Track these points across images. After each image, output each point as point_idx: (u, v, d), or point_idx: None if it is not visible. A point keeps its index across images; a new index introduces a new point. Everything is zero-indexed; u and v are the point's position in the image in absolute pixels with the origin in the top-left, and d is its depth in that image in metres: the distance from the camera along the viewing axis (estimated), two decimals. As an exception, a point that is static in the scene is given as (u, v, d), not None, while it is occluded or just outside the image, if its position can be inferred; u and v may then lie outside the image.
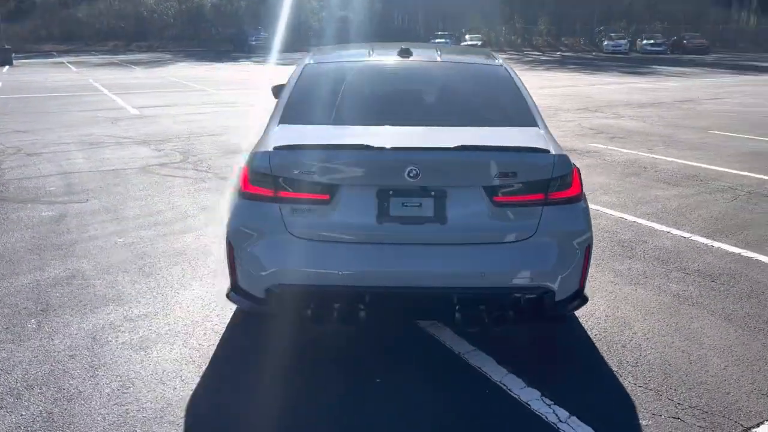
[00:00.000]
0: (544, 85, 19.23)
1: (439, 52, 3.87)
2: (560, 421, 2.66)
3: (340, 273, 2.78)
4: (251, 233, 2.90)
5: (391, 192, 2.79)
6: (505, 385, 2.93)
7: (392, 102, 3.44)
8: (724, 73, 25.98)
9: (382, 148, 2.77)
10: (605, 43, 47.94)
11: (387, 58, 3.83)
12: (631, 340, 3.35)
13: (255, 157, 2.92)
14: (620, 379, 2.99)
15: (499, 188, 2.79)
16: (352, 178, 2.81)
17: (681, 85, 20.12)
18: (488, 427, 2.65)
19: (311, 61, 3.77)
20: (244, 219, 2.93)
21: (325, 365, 3.14)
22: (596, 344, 3.32)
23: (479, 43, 51.10)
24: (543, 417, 2.70)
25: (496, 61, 3.85)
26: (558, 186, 2.84)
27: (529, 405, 2.78)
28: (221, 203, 5.98)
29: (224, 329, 3.48)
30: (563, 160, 2.86)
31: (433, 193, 2.78)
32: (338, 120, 3.24)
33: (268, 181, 2.85)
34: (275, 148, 2.86)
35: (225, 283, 4.02)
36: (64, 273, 4.25)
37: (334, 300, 2.82)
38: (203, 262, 4.47)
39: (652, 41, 45.97)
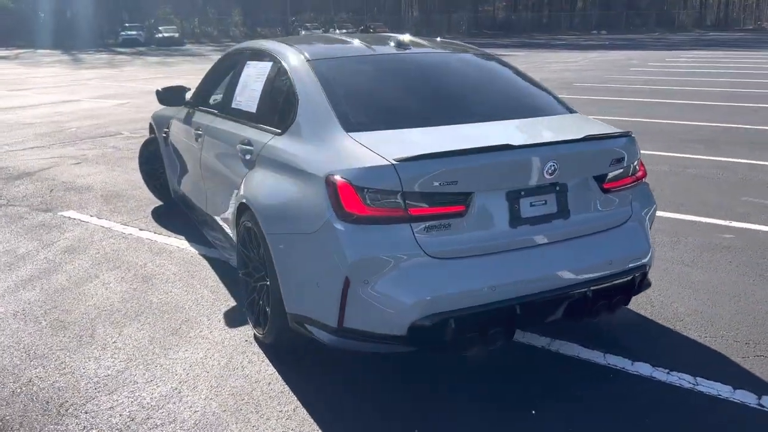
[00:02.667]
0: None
1: (430, 44, 3.68)
2: (694, 384, 2.84)
3: (492, 289, 2.52)
4: (381, 263, 2.44)
5: (522, 192, 2.61)
6: (616, 365, 3.00)
7: (444, 98, 3.16)
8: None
9: (523, 146, 2.58)
10: (302, 33, 49.93)
11: (391, 51, 3.48)
12: (651, 299, 3.69)
13: (371, 172, 2.44)
14: (685, 334, 3.30)
15: (606, 175, 2.82)
16: (487, 183, 2.55)
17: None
18: (646, 409, 2.70)
19: (309, 57, 3.25)
20: (366, 248, 2.44)
21: (434, 394, 2.82)
22: (629, 307, 3.58)
23: (176, 35, 48.90)
24: (677, 385, 2.84)
25: (477, 51, 3.81)
26: (636, 167, 2.99)
27: (654, 377, 2.90)
28: (85, 240, 4.81)
29: (288, 389, 2.86)
30: (636, 142, 3.02)
31: (557, 188, 2.68)
32: (415, 122, 2.87)
33: (395, 199, 2.42)
34: (400, 160, 2.43)
35: (220, 333, 3.32)
36: (-32, 371, 3.01)
37: (488, 320, 2.54)
38: (153, 314, 3.57)
39: (344, 30, 49.38)
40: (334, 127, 2.77)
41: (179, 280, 4.06)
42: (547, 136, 2.80)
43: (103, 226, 5.17)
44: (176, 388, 2.86)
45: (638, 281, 2.91)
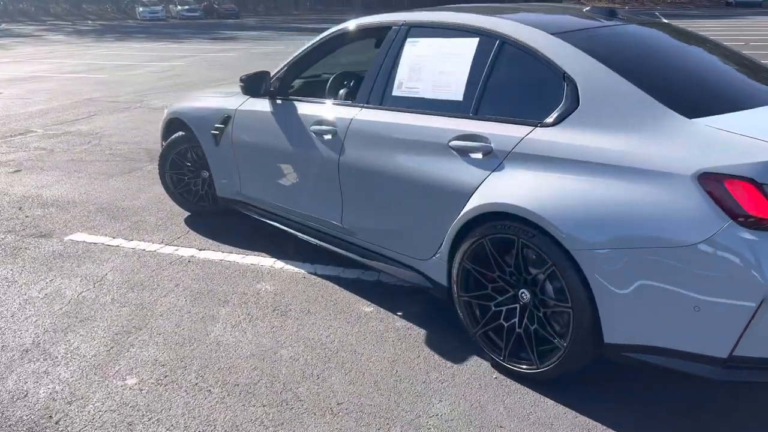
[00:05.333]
0: (160, 57, 17.56)
1: (629, 16, 3.25)
2: None
3: None
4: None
5: None
6: None
7: (723, 77, 2.78)
8: (302, 34, 28.13)
9: None
10: (140, 10, 45.92)
11: (613, 23, 3.01)
12: None
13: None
14: None
15: None
16: None
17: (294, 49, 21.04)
18: None
19: (555, 31, 2.71)
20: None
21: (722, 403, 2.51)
22: None
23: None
24: None
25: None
26: None
27: None
28: (140, 271, 3.84)
29: None
30: None
31: None
32: (734, 104, 2.45)
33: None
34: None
35: (453, 372, 2.60)
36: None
37: None
38: (342, 359, 2.87)
39: (187, 7, 46.13)
40: (663, 113, 2.30)
41: (324, 310, 3.33)
42: None
43: (145, 250, 4.16)
44: None
45: None
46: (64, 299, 3.49)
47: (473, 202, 2.67)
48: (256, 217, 4.11)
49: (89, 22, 44.95)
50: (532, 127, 2.57)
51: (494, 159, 2.64)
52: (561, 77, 2.56)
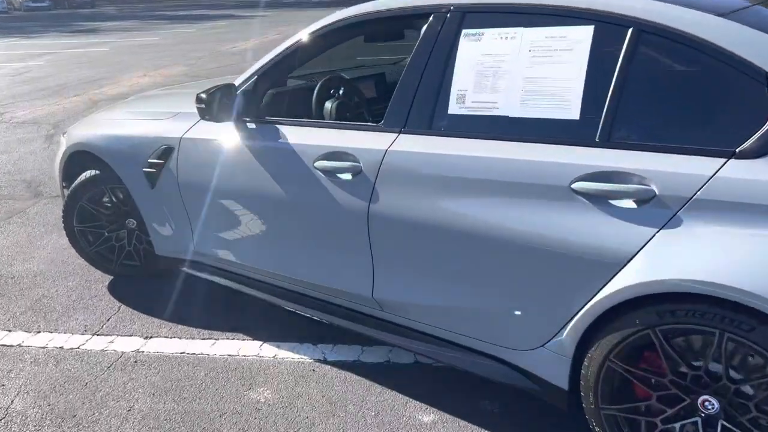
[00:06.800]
0: (11, 57, 15.16)
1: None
2: None
3: None
4: None
5: None
6: None
7: None
8: (174, 23, 25.73)
9: None
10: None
11: (746, 3, 2.17)
12: None
13: None
14: None
15: None
16: None
17: (183, 37, 19.00)
18: None
19: (721, 11, 1.83)
20: None
21: None
22: None
23: None
24: None
25: None
26: None
27: None
28: (63, 385, 2.64)
29: None
30: None
31: None
32: None
33: None
34: None
35: None
36: None
37: None
38: None
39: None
40: None
41: (366, 427, 2.30)
42: None
43: (64, 349, 2.89)
44: None
45: None
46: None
47: (630, 276, 1.76)
48: (221, 282, 2.97)
49: None
50: (723, 160, 1.69)
51: (660, 209, 1.74)
52: (762, 82, 1.68)
